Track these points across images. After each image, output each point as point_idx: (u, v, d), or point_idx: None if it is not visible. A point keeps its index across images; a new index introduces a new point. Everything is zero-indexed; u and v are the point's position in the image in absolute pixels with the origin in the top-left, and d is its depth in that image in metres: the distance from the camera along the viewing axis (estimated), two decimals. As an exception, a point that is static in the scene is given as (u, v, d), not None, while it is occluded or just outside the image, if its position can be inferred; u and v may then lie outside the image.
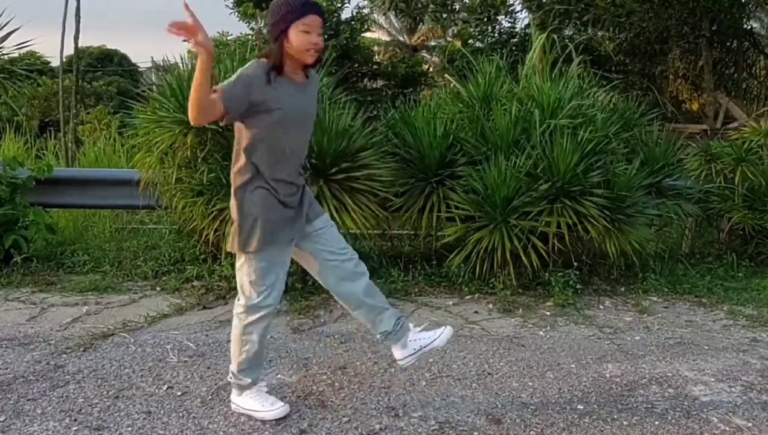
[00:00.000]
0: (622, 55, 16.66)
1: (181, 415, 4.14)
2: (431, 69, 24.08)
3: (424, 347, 4.27)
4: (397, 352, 4.33)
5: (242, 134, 3.83)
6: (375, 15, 21.36)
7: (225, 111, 3.58)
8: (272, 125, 3.76)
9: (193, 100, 3.45)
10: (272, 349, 5.27)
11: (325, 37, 15.73)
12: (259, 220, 3.82)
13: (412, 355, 4.29)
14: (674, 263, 8.09)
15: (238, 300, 4.03)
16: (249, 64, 3.79)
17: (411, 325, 4.36)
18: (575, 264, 7.12)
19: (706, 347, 5.61)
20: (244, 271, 3.96)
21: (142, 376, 4.72)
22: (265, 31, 3.83)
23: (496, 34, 16.24)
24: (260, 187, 3.85)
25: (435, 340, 4.28)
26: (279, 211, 3.88)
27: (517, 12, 16.65)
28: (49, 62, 25.61)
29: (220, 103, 3.53)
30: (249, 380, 4.15)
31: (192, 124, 3.65)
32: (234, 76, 3.67)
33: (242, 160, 3.84)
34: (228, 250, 4.05)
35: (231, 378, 4.20)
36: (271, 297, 3.98)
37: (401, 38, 28.30)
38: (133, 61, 39.33)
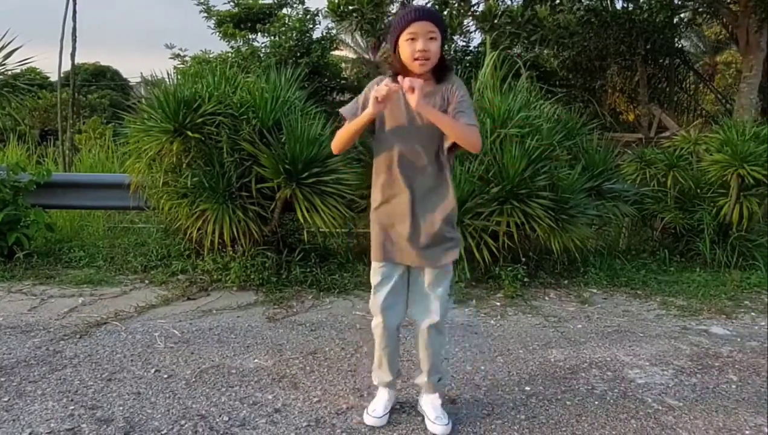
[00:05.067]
0: (565, 71, 16.78)
1: (167, 396, 4.12)
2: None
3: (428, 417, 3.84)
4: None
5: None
6: (342, 35, 21.35)
7: None
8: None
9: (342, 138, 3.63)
10: (249, 336, 5.27)
11: (298, 54, 15.64)
12: None
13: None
14: (612, 259, 8.15)
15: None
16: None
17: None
18: (523, 259, 7.16)
19: (641, 334, 5.66)
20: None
21: (132, 360, 4.70)
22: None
23: (452, 52, 16.27)
24: None
25: (436, 423, 3.75)
26: None
27: (472, 32, 16.73)
28: (48, 77, 25.33)
29: None
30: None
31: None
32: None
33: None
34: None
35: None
36: None
37: (366, 56, 28.23)
38: (124, 76, 39.13)
